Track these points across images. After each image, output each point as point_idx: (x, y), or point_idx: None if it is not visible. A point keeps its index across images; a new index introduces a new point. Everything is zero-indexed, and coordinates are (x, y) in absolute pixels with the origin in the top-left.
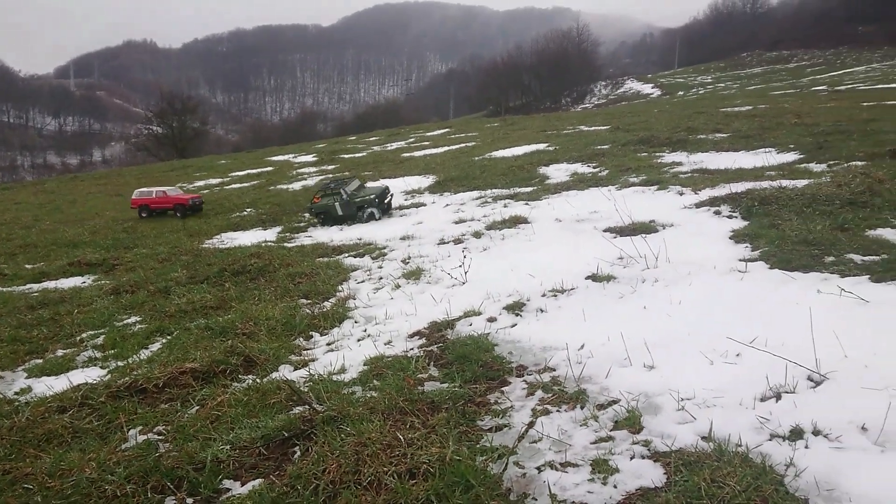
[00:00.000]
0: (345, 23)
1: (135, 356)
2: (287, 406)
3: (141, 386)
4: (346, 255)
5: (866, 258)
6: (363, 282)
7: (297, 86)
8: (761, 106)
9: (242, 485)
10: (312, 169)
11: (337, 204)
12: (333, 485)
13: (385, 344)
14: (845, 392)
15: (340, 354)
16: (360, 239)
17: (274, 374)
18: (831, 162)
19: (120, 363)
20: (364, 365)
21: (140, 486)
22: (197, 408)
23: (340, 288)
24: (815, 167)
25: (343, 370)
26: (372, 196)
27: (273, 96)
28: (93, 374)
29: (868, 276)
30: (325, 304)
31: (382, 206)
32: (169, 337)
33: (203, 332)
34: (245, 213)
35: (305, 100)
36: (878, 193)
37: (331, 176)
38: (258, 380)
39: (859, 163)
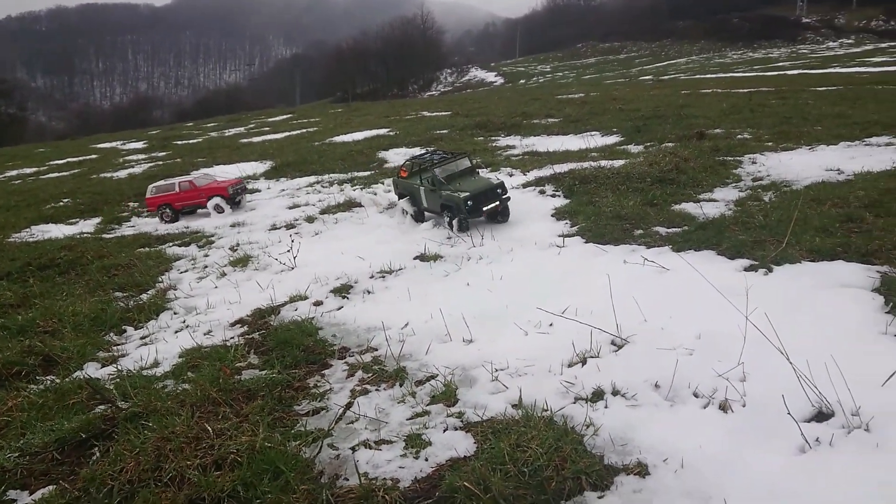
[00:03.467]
0: (181, 3)
1: None
2: (88, 406)
3: None
4: (171, 244)
5: (670, 230)
6: (186, 271)
7: (129, 69)
8: (593, 93)
9: (31, 494)
10: (142, 156)
11: (422, 189)
12: (131, 484)
13: (205, 334)
14: (642, 353)
15: (154, 348)
16: (188, 227)
17: (77, 373)
18: (647, 144)
19: None
20: (179, 357)
21: None
22: None
23: (161, 279)
24: (633, 148)
25: (156, 364)
26: (462, 196)
27: (102, 80)
28: None
29: (670, 247)
30: (143, 296)
31: (477, 212)
32: None
33: None
34: (61, 203)
35: (139, 84)
36: (684, 171)
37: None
38: (57, 380)
39: (671, 144)
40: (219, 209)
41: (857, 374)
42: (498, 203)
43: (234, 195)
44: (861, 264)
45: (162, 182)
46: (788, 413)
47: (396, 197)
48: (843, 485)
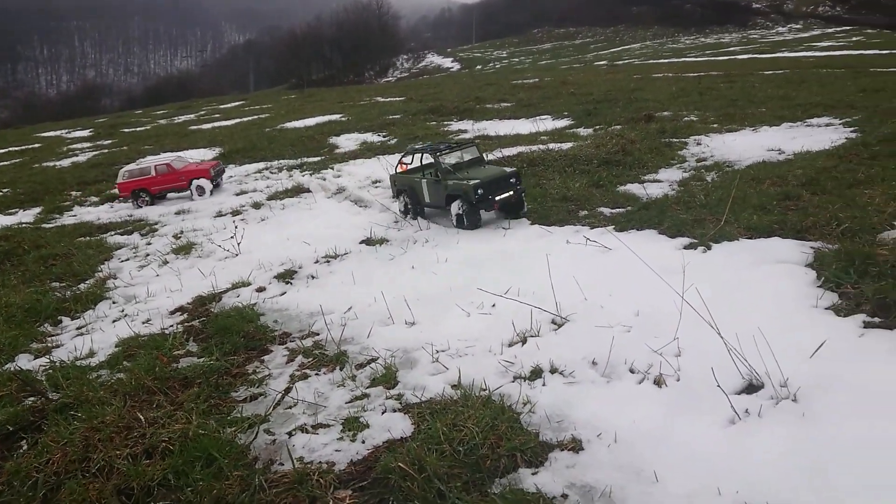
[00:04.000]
0: None
1: None
2: (18, 398)
3: None
4: (113, 232)
5: (614, 210)
6: (127, 260)
7: (75, 56)
8: (547, 78)
9: None
10: (87, 144)
11: (425, 182)
12: (57, 475)
13: (143, 323)
14: (581, 332)
15: (90, 338)
16: (131, 216)
17: (8, 366)
18: (597, 127)
19: None
20: (116, 347)
21: None
22: None
23: (101, 268)
24: (583, 131)
25: (91, 354)
26: (471, 183)
27: (48, 67)
28: None
29: (613, 227)
30: (81, 286)
31: (488, 203)
32: None
33: None
34: (0, 193)
35: (87, 72)
36: (630, 153)
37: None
38: None
39: (619, 127)
40: (201, 191)
41: (786, 347)
42: (512, 193)
43: (216, 177)
44: (796, 240)
45: (134, 166)
46: (718, 386)
47: (394, 194)
48: (769, 453)
